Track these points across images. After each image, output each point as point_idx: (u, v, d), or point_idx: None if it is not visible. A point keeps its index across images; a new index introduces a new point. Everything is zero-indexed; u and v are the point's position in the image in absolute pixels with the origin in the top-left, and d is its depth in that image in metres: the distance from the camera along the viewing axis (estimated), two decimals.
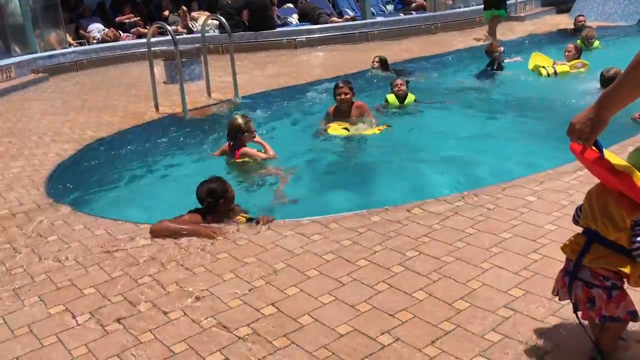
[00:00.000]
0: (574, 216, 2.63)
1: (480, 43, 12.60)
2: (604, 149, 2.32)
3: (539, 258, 3.53)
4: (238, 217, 4.44)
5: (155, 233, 4.25)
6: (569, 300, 2.65)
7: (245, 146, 6.05)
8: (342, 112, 7.10)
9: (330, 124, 6.96)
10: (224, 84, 9.88)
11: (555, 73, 9.14)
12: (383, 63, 10.06)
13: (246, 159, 6.00)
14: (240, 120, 6.07)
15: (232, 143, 6.10)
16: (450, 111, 7.87)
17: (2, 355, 3.02)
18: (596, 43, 11.01)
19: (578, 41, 10.80)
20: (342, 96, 6.98)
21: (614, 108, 2.25)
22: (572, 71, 9.23)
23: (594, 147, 2.32)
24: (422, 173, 5.57)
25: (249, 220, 4.38)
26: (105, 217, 4.72)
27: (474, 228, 4.00)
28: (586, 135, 2.27)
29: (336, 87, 7.13)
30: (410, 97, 7.99)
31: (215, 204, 4.43)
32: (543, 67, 9.23)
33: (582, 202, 2.57)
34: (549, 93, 8.51)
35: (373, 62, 10.13)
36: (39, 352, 3.03)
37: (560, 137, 6.53)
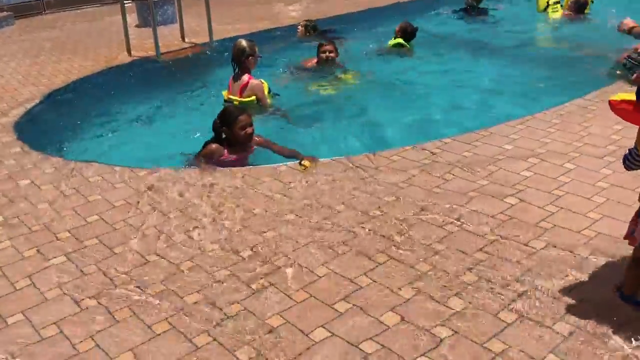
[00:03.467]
0: (625, 161, 2.57)
1: None
2: None
3: (515, 202, 3.58)
4: (303, 163, 4.26)
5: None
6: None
7: (254, 80, 5.61)
8: (324, 70, 6.81)
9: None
10: (198, 27, 9.59)
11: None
12: (308, 28, 8.90)
13: (251, 98, 5.54)
14: (244, 43, 5.60)
15: (236, 72, 5.64)
16: (429, 59, 7.77)
17: None
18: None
19: None
20: (327, 54, 6.80)
21: None
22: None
23: None
24: (401, 121, 5.56)
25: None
26: (77, 160, 4.63)
27: (452, 174, 4.01)
28: None
29: (320, 45, 6.93)
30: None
31: (220, 128, 4.49)
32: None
33: (628, 149, 2.56)
34: (531, 39, 8.47)
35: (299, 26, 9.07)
36: (15, 294, 3.01)
37: (535, 82, 6.57)
